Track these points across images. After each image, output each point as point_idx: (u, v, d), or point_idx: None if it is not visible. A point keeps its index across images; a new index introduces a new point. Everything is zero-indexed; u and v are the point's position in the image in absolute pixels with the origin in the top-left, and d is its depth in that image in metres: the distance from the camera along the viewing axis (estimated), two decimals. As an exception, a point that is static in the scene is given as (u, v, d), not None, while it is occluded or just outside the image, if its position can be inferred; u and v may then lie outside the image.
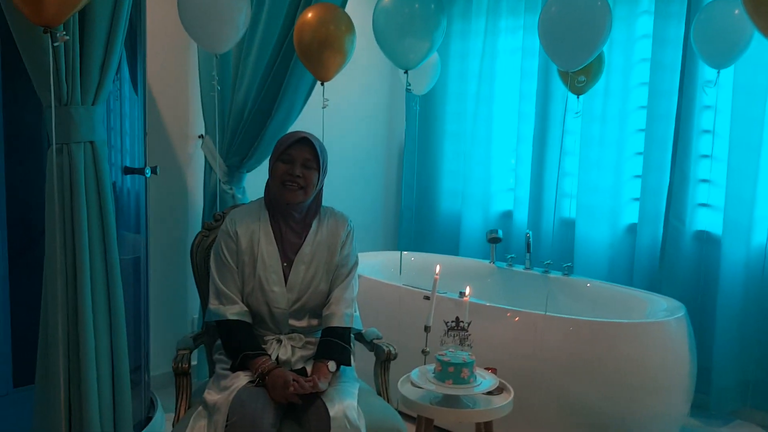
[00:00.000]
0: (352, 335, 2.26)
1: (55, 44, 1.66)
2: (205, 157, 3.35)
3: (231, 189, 3.25)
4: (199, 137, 3.45)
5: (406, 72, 2.96)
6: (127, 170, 2.42)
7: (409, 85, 3.07)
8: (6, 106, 2.70)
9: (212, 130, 3.21)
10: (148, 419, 2.66)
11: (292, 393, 1.88)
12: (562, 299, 3.43)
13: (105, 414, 1.93)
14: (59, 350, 1.82)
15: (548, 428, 2.75)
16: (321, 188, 2.22)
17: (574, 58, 2.50)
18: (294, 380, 1.91)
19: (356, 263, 2.24)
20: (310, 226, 2.19)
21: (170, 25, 2.86)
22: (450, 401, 2.30)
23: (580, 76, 2.87)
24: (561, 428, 2.73)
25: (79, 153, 1.75)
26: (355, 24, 2.83)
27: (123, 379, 1.97)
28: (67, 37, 1.67)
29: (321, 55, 2.73)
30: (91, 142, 1.79)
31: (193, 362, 3.50)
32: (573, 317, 2.84)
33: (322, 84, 2.83)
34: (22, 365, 2.67)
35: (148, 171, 2.44)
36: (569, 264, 3.52)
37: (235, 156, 3.19)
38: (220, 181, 3.24)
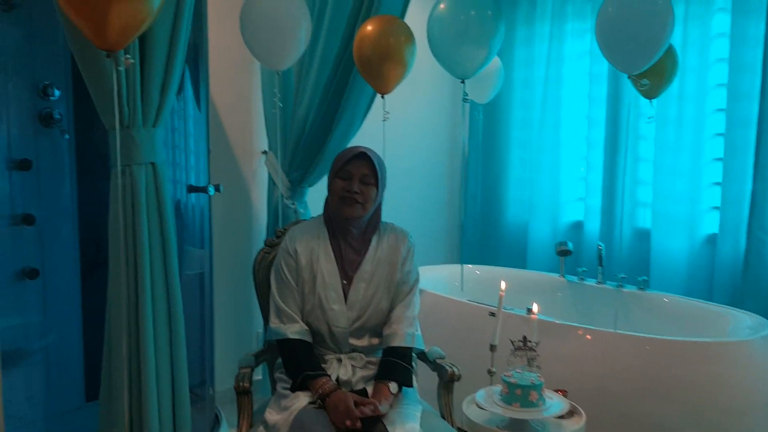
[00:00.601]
0: (414, 355, 2.20)
1: (120, 68, 1.68)
2: (269, 173, 3.37)
3: (293, 204, 3.26)
4: (263, 153, 3.47)
5: (463, 81, 2.89)
6: (191, 189, 2.45)
7: (466, 94, 2.99)
8: (78, 127, 2.79)
9: (275, 146, 3.23)
10: (213, 435, 2.67)
11: (355, 418, 1.83)
12: (637, 315, 3.26)
13: (165, 428, 1.94)
14: (123, 365, 1.84)
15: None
16: (380, 203, 2.17)
17: (635, 61, 2.37)
18: (355, 404, 1.86)
19: (417, 280, 2.19)
20: (370, 243, 2.15)
21: (233, 43, 2.89)
22: (517, 425, 2.21)
23: (643, 79, 2.73)
24: (638, 453, 2.58)
25: (140, 174, 1.77)
26: (415, 33, 2.78)
27: (183, 394, 1.98)
28: (132, 61, 1.69)
29: (381, 68, 2.70)
30: (152, 163, 1.80)
31: (257, 377, 3.52)
32: (649, 336, 2.68)
33: (383, 96, 2.80)
34: (94, 379, 2.75)
35: (211, 189, 2.47)
36: (645, 278, 3.34)
37: (297, 171, 3.20)
38: (282, 196, 3.25)
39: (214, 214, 3.20)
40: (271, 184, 3.36)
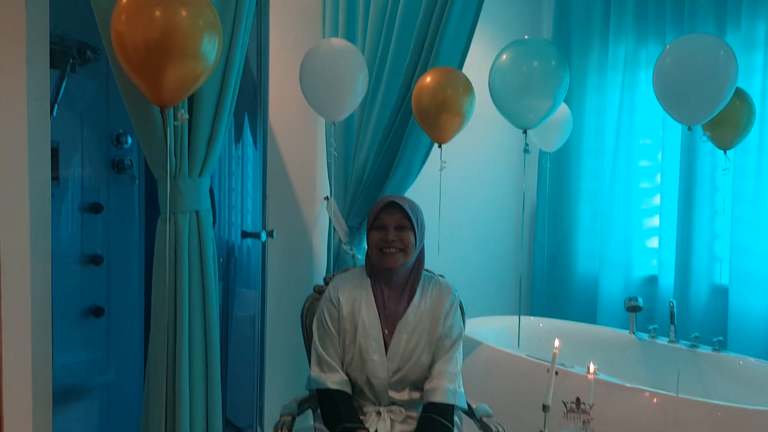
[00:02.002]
0: (457, 411, 2.13)
1: (176, 123, 1.76)
2: (329, 219, 3.42)
3: (351, 250, 3.28)
4: (324, 199, 3.53)
5: (524, 132, 2.84)
6: (245, 234, 2.51)
7: (527, 145, 2.94)
8: (147, 174, 2.93)
9: (336, 193, 3.28)
10: (262, 481, 2.67)
11: None
12: (712, 379, 3.04)
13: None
14: (158, 408, 1.87)
15: None
16: (422, 250, 2.15)
17: (695, 114, 2.26)
18: None
19: (460, 335, 2.13)
20: (414, 294, 2.12)
21: (296, 92, 2.98)
22: (568, 492, 2.08)
23: (706, 132, 2.60)
24: None
25: (184, 222, 1.83)
26: (479, 79, 2.77)
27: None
28: (187, 117, 1.77)
29: (438, 119, 2.70)
30: (197, 212, 1.86)
31: (310, 422, 3.50)
32: (720, 402, 2.48)
33: (440, 146, 2.79)
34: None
35: (264, 235, 2.51)
36: (720, 338, 3.12)
37: (355, 218, 3.22)
38: (341, 242, 3.28)
39: (274, 257, 3.26)
40: (332, 229, 3.40)
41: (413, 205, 2.13)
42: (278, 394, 3.26)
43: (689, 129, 2.30)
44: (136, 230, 2.91)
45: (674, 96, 2.28)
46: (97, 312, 2.84)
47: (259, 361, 2.79)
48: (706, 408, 2.45)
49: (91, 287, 2.81)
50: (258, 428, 2.83)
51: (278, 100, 3.14)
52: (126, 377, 2.89)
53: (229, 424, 3.01)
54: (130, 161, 2.88)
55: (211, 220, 1.91)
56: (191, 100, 1.81)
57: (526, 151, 2.98)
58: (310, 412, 2.37)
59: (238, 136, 2.78)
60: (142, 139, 1.80)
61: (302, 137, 3.50)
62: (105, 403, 2.89)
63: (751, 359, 3.01)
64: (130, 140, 2.90)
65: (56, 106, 2.45)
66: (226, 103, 1.85)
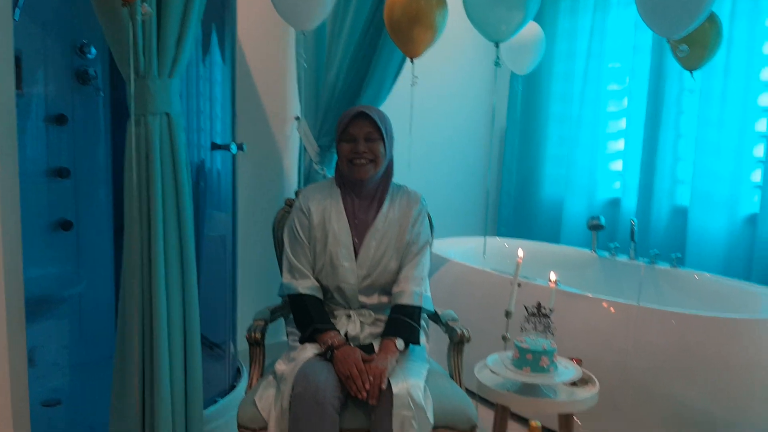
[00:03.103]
0: (425, 316, 2.21)
1: (138, 17, 1.72)
2: (300, 138, 3.40)
3: (323, 170, 3.28)
4: (295, 119, 3.50)
5: (497, 45, 2.84)
6: (214, 146, 2.50)
7: (498, 58, 2.93)
8: (113, 85, 2.87)
9: (306, 112, 3.25)
10: (234, 387, 2.74)
11: (365, 376, 1.85)
12: (668, 292, 3.18)
13: (176, 380, 2.00)
14: (134, 321, 1.89)
15: (642, 429, 2.55)
16: (391, 160, 2.18)
17: (674, 24, 2.27)
18: (359, 370, 1.87)
19: (427, 242, 2.19)
20: (382, 203, 2.16)
21: (266, 5, 2.91)
22: (529, 390, 2.19)
23: (682, 44, 2.62)
24: (656, 431, 2.52)
25: (155, 124, 1.81)
26: (449, -3, 2.73)
27: (194, 351, 2.03)
28: (150, 11, 1.72)
29: (411, 32, 2.67)
30: (167, 114, 1.84)
31: (283, 338, 3.58)
32: (675, 310, 2.61)
33: (412, 61, 2.78)
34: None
35: (233, 147, 2.50)
36: (678, 255, 3.25)
37: (326, 136, 3.21)
38: (312, 161, 3.28)
39: (244, 176, 3.25)
40: (302, 149, 3.38)
41: (382, 116, 2.14)
42: (251, 310, 3.31)
43: (675, 50, 2.31)
44: (102, 142, 2.87)
45: (654, 5, 2.28)
46: (65, 226, 2.83)
47: (231, 279, 2.82)
48: (660, 315, 2.57)
49: (58, 201, 2.80)
50: (231, 344, 2.88)
51: (245, 12, 3.06)
52: (97, 290, 2.91)
53: (204, 339, 3.07)
54: (95, 72, 2.82)
55: (183, 124, 1.89)
56: (159, -2, 1.77)
57: (497, 64, 2.98)
58: (282, 322, 2.43)
59: (205, 50, 2.73)
60: (108, 37, 1.76)
61: (272, 53, 3.44)
62: (77, 315, 2.91)
63: (707, 274, 3.15)
64: (94, 51, 2.83)
65: (17, 10, 2.37)
66: (195, 1, 1.81)
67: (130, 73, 1.75)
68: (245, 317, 3.05)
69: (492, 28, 2.75)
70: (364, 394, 1.84)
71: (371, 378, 1.85)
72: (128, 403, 2.03)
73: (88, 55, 2.80)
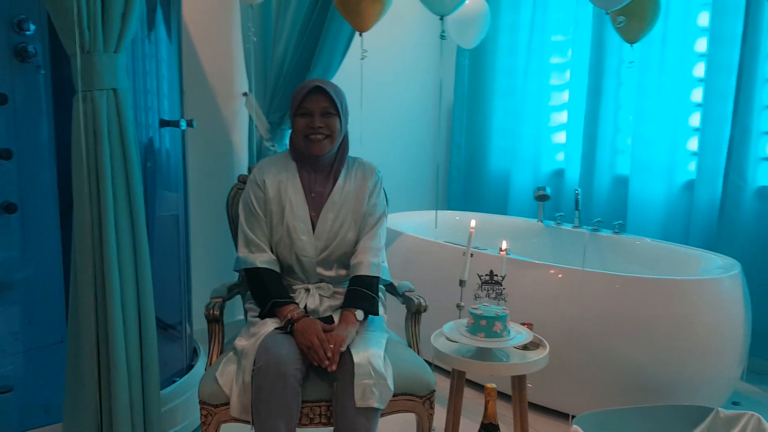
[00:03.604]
0: (382, 287, 2.25)
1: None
2: (249, 115, 3.37)
3: (274, 146, 3.26)
4: (243, 95, 3.46)
5: (441, 18, 2.87)
6: (163, 123, 2.46)
7: (444, 32, 2.97)
8: (54, 62, 2.77)
9: (255, 87, 3.22)
10: (191, 367, 2.74)
11: (326, 346, 1.88)
12: (611, 258, 3.31)
13: (132, 366, 1.99)
14: (87, 303, 1.87)
15: (588, 388, 2.68)
16: (346, 134, 2.19)
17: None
18: (320, 340, 1.90)
19: (384, 213, 2.22)
20: (338, 176, 2.18)
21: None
22: (483, 354, 2.27)
23: (620, 16, 2.71)
24: (602, 388, 2.65)
25: (102, 100, 1.78)
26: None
27: (150, 333, 2.02)
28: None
29: (358, 5, 2.68)
30: (114, 90, 1.81)
31: (240, 317, 3.58)
32: (617, 273, 2.73)
33: (360, 35, 2.78)
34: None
35: (183, 123, 2.47)
36: (620, 222, 3.39)
37: (276, 113, 3.20)
38: (263, 138, 3.26)
39: (194, 156, 3.20)
40: (252, 125, 3.36)
41: (338, 90, 2.15)
42: (206, 290, 3.29)
43: (607, 13, 2.38)
44: (45, 122, 2.78)
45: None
46: (9, 208, 2.74)
47: (185, 259, 2.80)
48: (604, 279, 2.68)
49: (1, 183, 2.70)
50: (187, 323, 2.87)
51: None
52: (45, 273, 2.84)
53: (159, 321, 3.04)
54: (35, 49, 2.71)
55: (131, 100, 1.86)
56: (103, -30, 1.73)
57: (442, 37, 3.01)
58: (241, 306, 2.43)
59: (150, 26, 2.66)
60: (52, 12, 1.71)
61: (217, 27, 3.39)
62: (25, 300, 2.84)
63: (647, 239, 3.30)
64: (33, 27, 2.72)
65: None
66: (141, -26, 1.78)
67: (75, 49, 1.71)
68: (200, 297, 3.04)
69: (436, 1, 2.78)
70: (326, 363, 1.87)
71: (332, 345, 1.88)
72: (84, 385, 2.02)
73: (27, 32, 2.69)
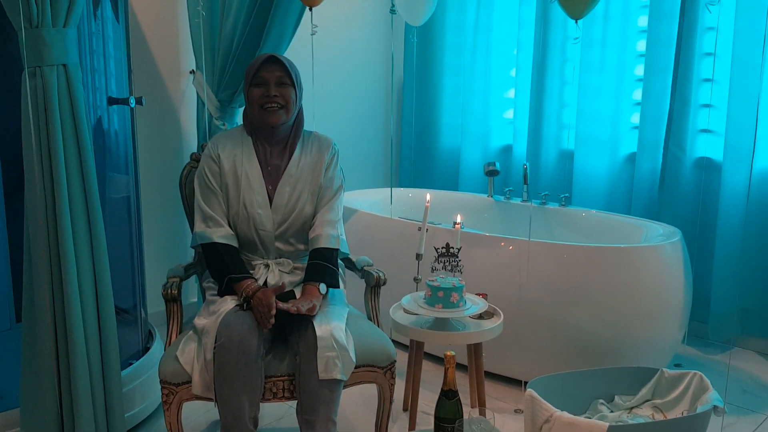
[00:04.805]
0: (341, 261, 2.27)
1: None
2: (197, 93, 3.31)
3: (224, 125, 3.22)
4: (191, 72, 3.40)
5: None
6: (111, 101, 2.40)
7: (393, 5, 2.97)
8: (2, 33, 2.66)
9: (202, 65, 3.17)
10: (147, 350, 2.71)
11: (272, 310, 1.88)
12: (558, 230, 3.42)
13: (92, 349, 1.96)
14: (43, 286, 1.83)
15: (541, 354, 2.77)
16: (301, 107, 2.19)
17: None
18: (276, 304, 1.91)
19: (341, 186, 2.24)
20: (294, 149, 2.18)
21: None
22: (440, 325, 2.33)
23: None
24: (553, 354, 2.75)
25: (52, 76, 1.73)
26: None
27: (108, 315, 1.99)
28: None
29: (308, -20, 2.65)
30: (64, 65, 1.76)
31: (193, 299, 3.55)
32: (563, 243, 2.82)
33: (311, 10, 2.76)
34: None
35: (132, 101, 2.42)
36: (567, 195, 3.49)
37: (225, 91, 3.15)
38: (212, 116, 3.21)
39: (142, 136, 3.14)
40: (201, 104, 3.31)
41: (292, 63, 2.14)
42: (161, 272, 3.24)
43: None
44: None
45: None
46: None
47: (137, 240, 2.75)
48: (552, 249, 2.77)
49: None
50: (141, 309, 2.83)
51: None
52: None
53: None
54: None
55: (80, 75, 1.81)
56: (49, -58, 1.67)
57: (392, 11, 3.01)
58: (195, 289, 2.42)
59: (96, 2, 2.58)
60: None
61: (163, 4, 3.31)
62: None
63: (592, 211, 3.41)
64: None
65: None
66: (88, -55, 1.72)
67: (21, 22, 1.65)
68: (153, 280, 3.01)
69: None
70: (271, 321, 1.87)
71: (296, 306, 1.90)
72: (41, 370, 1.98)
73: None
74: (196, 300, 3.56)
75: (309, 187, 2.16)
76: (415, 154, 4.56)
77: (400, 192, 3.97)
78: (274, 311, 1.88)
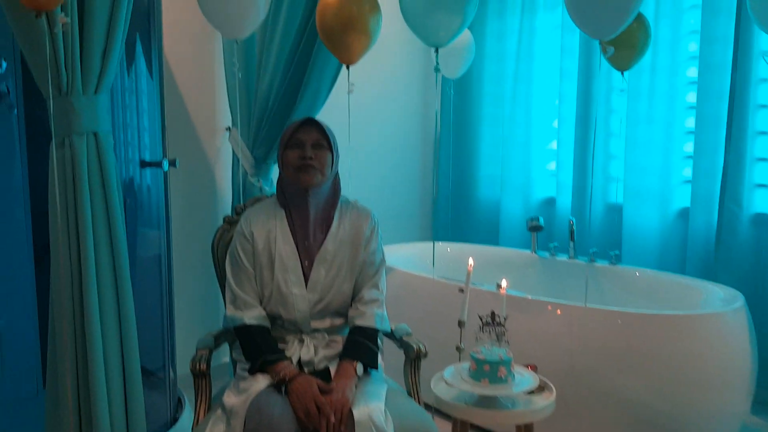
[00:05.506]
0: (379, 335, 2.13)
1: (55, 30, 1.57)
2: (233, 150, 3.27)
3: (258, 182, 3.16)
4: (226, 129, 3.36)
5: (436, 50, 2.79)
6: (144, 164, 2.34)
7: (438, 64, 2.89)
8: (28, 102, 2.65)
9: (239, 122, 3.13)
10: (176, 419, 2.59)
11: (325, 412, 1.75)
12: (609, 290, 3.23)
13: (116, 415, 1.85)
14: (66, 353, 1.74)
15: (594, 428, 2.57)
16: (337, 174, 2.09)
17: (605, 26, 2.29)
18: (320, 404, 1.78)
19: (383, 260, 2.10)
20: (331, 222, 2.05)
21: (192, 14, 2.77)
22: (487, 402, 2.15)
23: (609, 46, 2.66)
24: (609, 428, 2.54)
25: (81, 145, 1.66)
26: (384, 1, 2.68)
27: (134, 380, 1.89)
28: (67, 19, 1.58)
29: (344, 38, 2.59)
30: (95, 134, 1.69)
31: (225, 359, 3.43)
32: (619, 309, 2.64)
33: (347, 68, 2.70)
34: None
35: (165, 164, 2.35)
36: (617, 252, 3.31)
37: (261, 148, 3.10)
38: (247, 174, 3.15)
39: (176, 193, 3.09)
40: (236, 161, 3.25)
41: (329, 127, 2.05)
42: (192, 334, 3.14)
43: (604, 51, 2.32)
44: (18, 164, 2.65)
45: (583, 8, 2.28)
46: (-21, 255, 2.60)
47: (167, 301, 2.66)
48: (605, 315, 2.59)
49: (-30, 228, 2.56)
50: (170, 370, 2.72)
51: (170, 19, 2.91)
52: (18, 322, 2.68)
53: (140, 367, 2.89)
54: (7, 88, 2.60)
55: (112, 143, 1.74)
56: (81, 6, 1.62)
57: (437, 69, 2.94)
58: (227, 348, 2.31)
59: (130, 61, 2.56)
60: (26, 52, 1.60)
61: (198, 61, 3.30)
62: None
63: (647, 270, 3.22)
64: (5, 65, 2.61)
65: None
66: (121, 10, 1.67)
67: (49, 90, 1.60)
68: (184, 341, 2.91)
69: (431, 33, 2.71)
70: (313, 415, 1.75)
71: (334, 413, 1.75)
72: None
73: (-1, 70, 2.58)
74: (228, 359, 3.44)
75: (347, 263, 2.02)
76: (452, 206, 4.44)
77: (437, 246, 3.83)
78: (315, 407, 1.75)
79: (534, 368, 2.28)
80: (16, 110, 2.63)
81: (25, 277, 2.67)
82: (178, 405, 2.72)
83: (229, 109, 3.29)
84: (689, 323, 2.52)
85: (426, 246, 3.69)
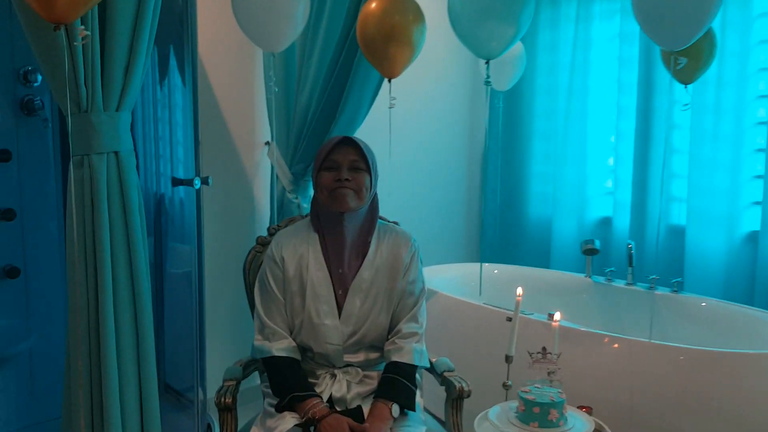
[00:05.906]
0: (419, 370, 1.96)
1: (75, 43, 1.47)
2: (272, 165, 3.17)
3: (297, 198, 3.05)
4: (265, 144, 3.26)
5: (487, 62, 2.62)
6: (176, 182, 2.25)
7: (489, 77, 2.72)
8: (62, 115, 2.61)
9: (278, 137, 3.02)
10: (204, 449, 2.48)
11: None
12: (670, 321, 2.98)
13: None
14: (80, 379, 1.65)
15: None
16: (375, 195, 1.93)
17: (678, 35, 2.09)
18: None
19: (423, 290, 1.93)
20: (367, 248, 1.90)
21: (231, 26, 2.68)
22: (535, 447, 1.97)
23: (681, 57, 2.44)
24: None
25: (101, 165, 1.55)
26: (429, 11, 2.54)
27: (152, 408, 1.77)
28: (88, 33, 1.48)
29: (386, 50, 2.46)
30: (116, 153, 1.58)
31: (255, 381, 3.32)
32: (684, 346, 2.41)
33: (389, 81, 2.56)
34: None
35: (197, 182, 2.25)
36: (679, 279, 3.06)
37: (300, 163, 2.98)
38: (285, 190, 3.05)
39: (212, 209, 3.00)
40: (274, 177, 3.15)
41: (368, 147, 1.90)
42: (221, 353, 3.05)
43: (674, 63, 2.14)
44: (52, 179, 2.61)
45: (656, 18, 2.10)
46: (11, 273, 2.56)
47: (197, 320, 2.56)
48: (668, 351, 2.37)
49: (3, 246, 2.52)
50: (200, 390, 2.62)
51: (208, 31, 2.83)
52: (50, 343, 2.63)
53: (169, 388, 2.79)
54: (41, 102, 2.56)
55: (134, 162, 1.64)
56: (102, 20, 1.52)
57: (487, 82, 2.77)
58: (256, 373, 2.19)
59: (163, 73, 2.48)
60: (44, 67, 1.52)
61: (237, 74, 3.21)
62: (27, 373, 2.63)
63: (713, 300, 2.96)
64: (40, 78, 2.57)
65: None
66: (145, 24, 1.56)
67: (68, 108, 1.50)
68: (215, 361, 2.80)
69: (482, 44, 2.54)
70: None
71: None
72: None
73: (33, 83, 2.54)
74: (259, 382, 3.33)
75: (384, 293, 1.87)
76: (500, 226, 4.25)
77: (484, 268, 3.64)
78: None
79: (589, 410, 2.08)
80: (51, 124, 2.59)
81: (58, 295, 2.62)
82: (207, 430, 2.61)
83: (267, 122, 3.19)
84: (759, 363, 2.27)
85: (472, 267, 3.50)
